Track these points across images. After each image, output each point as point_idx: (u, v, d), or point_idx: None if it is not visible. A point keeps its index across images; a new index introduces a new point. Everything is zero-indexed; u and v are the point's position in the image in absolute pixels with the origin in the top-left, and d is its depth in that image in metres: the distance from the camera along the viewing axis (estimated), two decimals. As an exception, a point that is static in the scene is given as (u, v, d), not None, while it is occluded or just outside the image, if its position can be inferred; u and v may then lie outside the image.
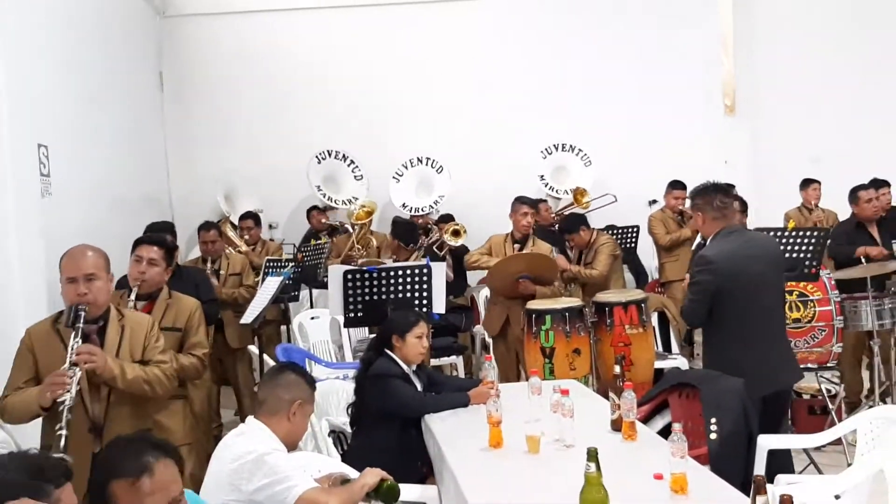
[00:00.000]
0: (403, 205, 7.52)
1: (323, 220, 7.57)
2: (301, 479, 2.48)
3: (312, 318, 6.49)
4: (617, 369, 3.27)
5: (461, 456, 3.08)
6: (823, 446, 3.93)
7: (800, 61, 8.48)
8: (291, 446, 2.67)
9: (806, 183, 7.06)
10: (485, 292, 6.63)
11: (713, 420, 3.43)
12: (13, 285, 4.40)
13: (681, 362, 5.34)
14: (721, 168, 7.96)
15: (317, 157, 7.76)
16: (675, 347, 5.93)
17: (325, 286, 7.09)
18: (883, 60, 8.52)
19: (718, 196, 3.80)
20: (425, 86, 8.40)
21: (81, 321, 2.78)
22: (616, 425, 3.22)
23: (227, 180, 7.81)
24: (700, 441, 3.43)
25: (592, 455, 2.18)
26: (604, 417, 3.37)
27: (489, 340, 6.10)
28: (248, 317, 4.61)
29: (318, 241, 6.93)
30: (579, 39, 8.49)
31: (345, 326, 4.97)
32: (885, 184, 6.32)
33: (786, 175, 7.50)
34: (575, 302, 5.01)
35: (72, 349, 2.71)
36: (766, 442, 3.54)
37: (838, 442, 4.40)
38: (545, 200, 7.70)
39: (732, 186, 4.03)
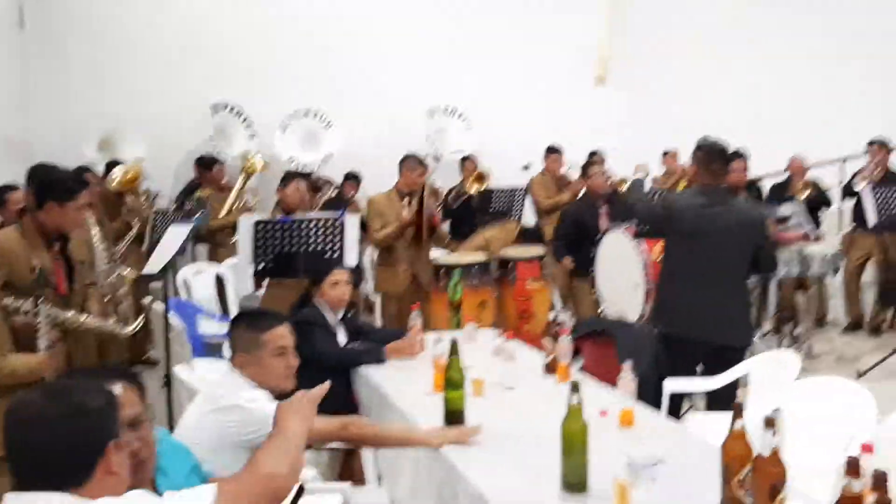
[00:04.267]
0: (290, 159, 7.37)
1: (219, 177, 7.12)
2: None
3: (196, 273, 6.29)
4: (551, 315, 3.44)
5: (408, 399, 3.16)
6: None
7: (671, 33, 9.03)
8: (274, 389, 2.64)
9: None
10: (370, 252, 6.63)
11: (628, 363, 3.71)
12: None
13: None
14: (593, 136, 8.39)
15: (212, 108, 7.43)
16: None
17: (207, 240, 6.89)
18: (755, 33, 9.24)
19: (717, 162, 4.00)
20: (313, 42, 8.22)
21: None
22: (550, 368, 3.40)
23: (103, 126, 7.31)
24: (615, 383, 3.70)
25: (576, 386, 2.31)
26: (532, 362, 3.56)
27: (374, 300, 6.15)
28: (154, 266, 4.40)
29: (202, 195, 6.67)
30: (464, 4, 8.59)
31: (254, 278, 4.86)
32: (739, 156, 6.88)
33: (654, 144, 8.00)
34: (481, 256, 5.16)
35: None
36: (670, 385, 3.85)
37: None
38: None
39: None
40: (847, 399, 3.08)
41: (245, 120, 7.45)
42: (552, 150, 7.35)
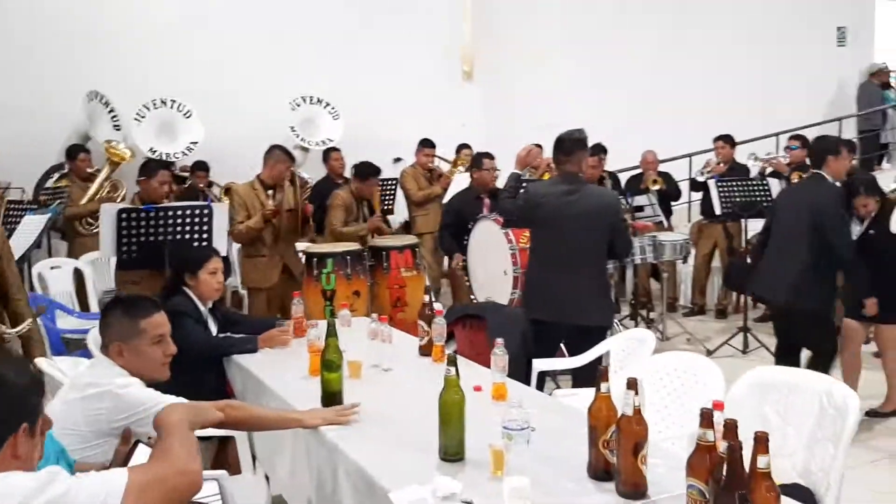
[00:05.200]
0: (151, 149, 7.10)
1: (84, 166, 6.72)
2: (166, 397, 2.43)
3: (53, 268, 5.98)
4: (426, 298, 3.52)
5: (285, 384, 3.16)
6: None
7: (534, 33, 9.35)
8: (150, 377, 2.57)
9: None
10: (236, 245, 6.49)
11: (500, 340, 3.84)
12: None
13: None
14: (459, 130, 8.57)
15: (88, 95, 7.03)
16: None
17: (66, 232, 6.55)
18: (612, 36, 9.70)
19: (576, 151, 4.18)
20: (174, 31, 7.94)
21: None
22: (426, 350, 3.48)
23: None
24: (488, 364, 3.83)
25: (452, 360, 2.40)
26: (407, 346, 3.63)
27: (243, 292, 6.04)
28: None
29: (60, 186, 6.33)
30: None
31: (118, 269, 4.66)
32: (600, 149, 7.23)
33: (517, 139, 8.23)
34: (354, 245, 5.18)
35: None
36: (538, 364, 4.03)
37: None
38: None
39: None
40: (698, 372, 3.33)
41: (111, 110, 7.12)
42: (424, 144, 7.45)
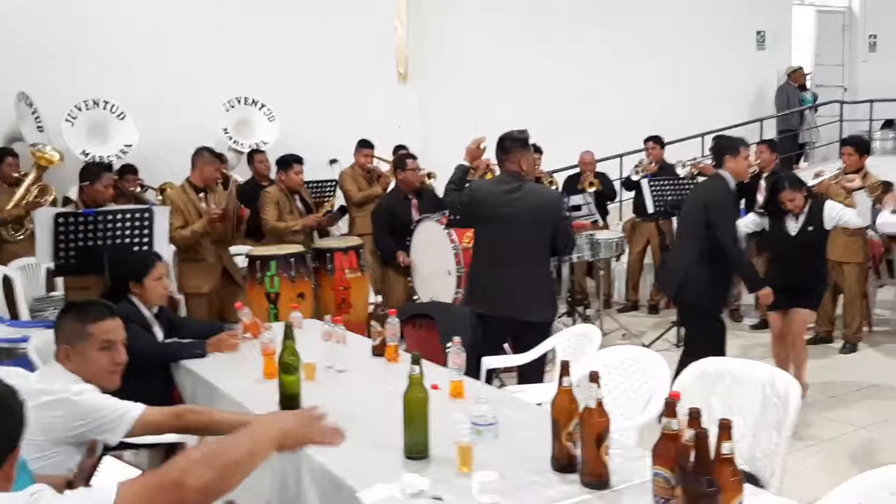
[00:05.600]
0: (84, 152, 6.88)
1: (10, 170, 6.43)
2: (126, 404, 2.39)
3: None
4: (379, 298, 3.53)
5: (239, 388, 3.13)
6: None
7: (468, 32, 9.43)
8: (98, 384, 2.51)
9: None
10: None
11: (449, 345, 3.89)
12: None
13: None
14: (395, 132, 8.59)
15: (17, 96, 6.76)
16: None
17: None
18: (546, 39, 9.86)
19: (518, 150, 4.27)
20: (107, 32, 7.72)
21: None
22: (379, 350, 3.50)
23: None
24: (440, 363, 3.87)
25: (416, 359, 2.42)
26: (359, 347, 3.64)
27: (179, 297, 5.93)
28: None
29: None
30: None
31: (55, 275, 4.53)
32: (537, 150, 7.36)
33: (453, 139, 8.29)
34: (298, 248, 5.15)
35: None
36: (486, 362, 4.09)
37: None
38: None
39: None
40: (643, 364, 3.43)
41: (34, 111, 6.87)
42: (363, 144, 7.44)
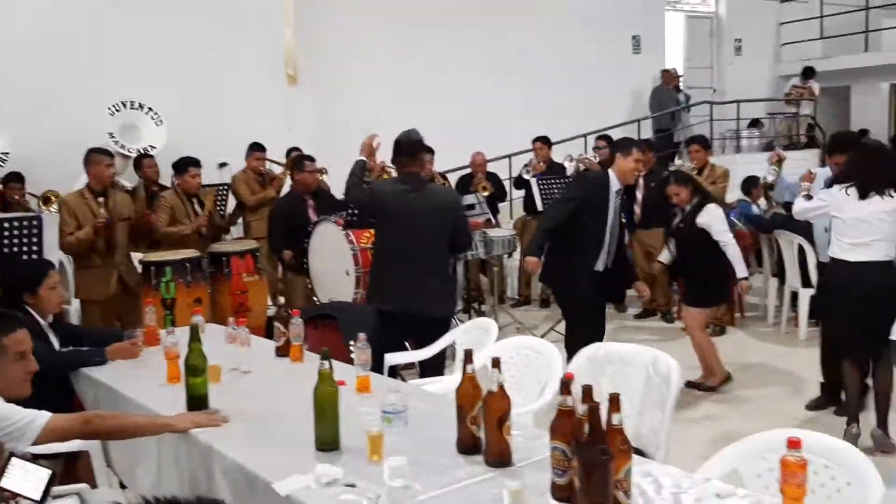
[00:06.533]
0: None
1: None
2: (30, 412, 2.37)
3: None
4: (281, 300, 3.59)
5: (143, 393, 3.13)
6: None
7: (358, 34, 9.51)
8: (13, 395, 2.48)
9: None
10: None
11: (352, 343, 3.97)
12: None
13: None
14: (286, 134, 8.56)
15: None
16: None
17: None
18: (436, 32, 10.01)
19: (416, 152, 4.42)
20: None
21: None
22: (283, 351, 3.56)
23: None
24: (343, 361, 3.95)
25: (325, 354, 2.51)
26: (262, 348, 3.68)
27: (74, 304, 5.77)
28: None
29: None
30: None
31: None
32: (429, 150, 7.52)
33: (345, 141, 8.34)
34: (193, 252, 5.10)
35: None
36: (389, 358, 4.20)
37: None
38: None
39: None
40: (539, 352, 3.63)
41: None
42: (254, 148, 7.39)
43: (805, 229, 5.98)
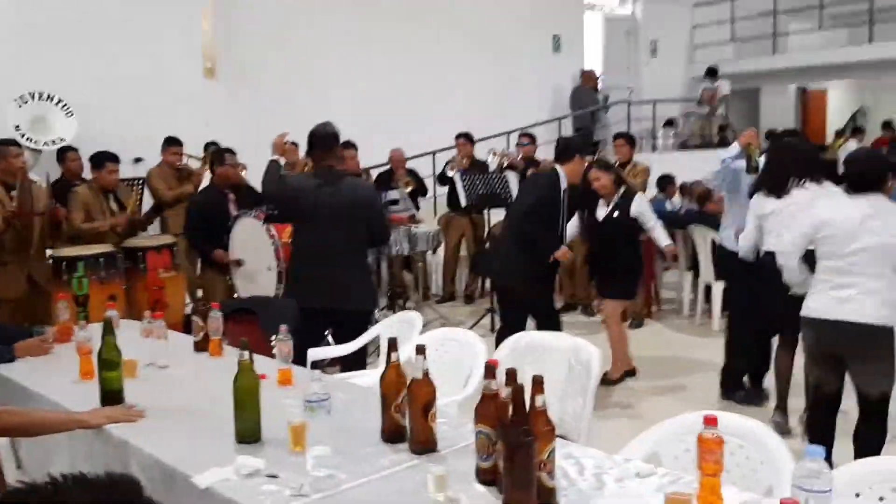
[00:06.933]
0: None
1: None
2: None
3: None
4: (200, 293, 3.50)
5: (54, 389, 3.01)
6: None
7: (275, 28, 9.37)
8: None
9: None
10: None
11: (273, 336, 3.91)
12: None
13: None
14: (203, 129, 8.37)
15: None
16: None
17: None
18: (357, 25, 9.95)
19: (330, 146, 4.34)
20: None
21: None
22: (201, 345, 3.47)
23: None
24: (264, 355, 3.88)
25: (245, 345, 2.46)
26: (179, 343, 3.59)
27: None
28: None
29: None
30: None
31: None
32: (350, 146, 7.45)
33: (265, 135, 8.20)
34: (107, 247, 4.93)
35: None
36: (312, 353, 4.14)
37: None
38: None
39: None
40: (463, 343, 3.64)
41: None
42: (170, 142, 7.19)
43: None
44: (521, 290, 5.00)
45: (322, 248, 4.29)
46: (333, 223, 4.28)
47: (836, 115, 16.18)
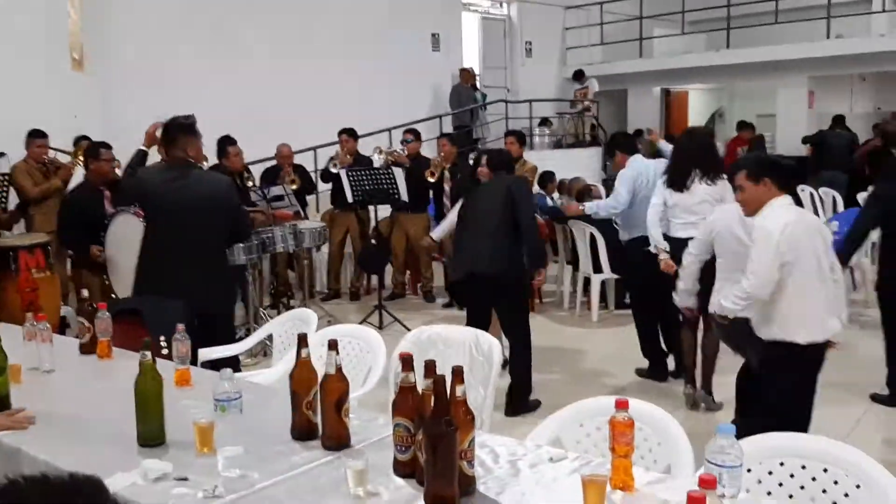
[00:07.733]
0: None
1: None
2: None
3: None
4: (85, 293, 3.34)
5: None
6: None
7: (149, 18, 9.01)
8: None
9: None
10: None
11: (162, 339, 3.75)
12: None
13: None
14: (72, 122, 7.95)
15: None
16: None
17: None
18: (232, 17, 9.68)
19: (182, 136, 4.09)
20: None
21: None
22: (88, 348, 3.31)
23: None
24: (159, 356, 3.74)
25: (147, 345, 2.37)
26: (63, 346, 3.41)
27: None
28: None
29: None
30: None
31: None
32: (232, 142, 7.27)
33: (137, 128, 7.87)
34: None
35: None
36: (203, 353, 4.02)
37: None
38: None
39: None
40: (362, 340, 3.64)
41: None
42: (34, 135, 6.78)
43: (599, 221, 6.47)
44: (511, 280, 4.92)
45: (177, 244, 4.07)
46: (185, 218, 4.06)
47: (697, 116, 17.12)
